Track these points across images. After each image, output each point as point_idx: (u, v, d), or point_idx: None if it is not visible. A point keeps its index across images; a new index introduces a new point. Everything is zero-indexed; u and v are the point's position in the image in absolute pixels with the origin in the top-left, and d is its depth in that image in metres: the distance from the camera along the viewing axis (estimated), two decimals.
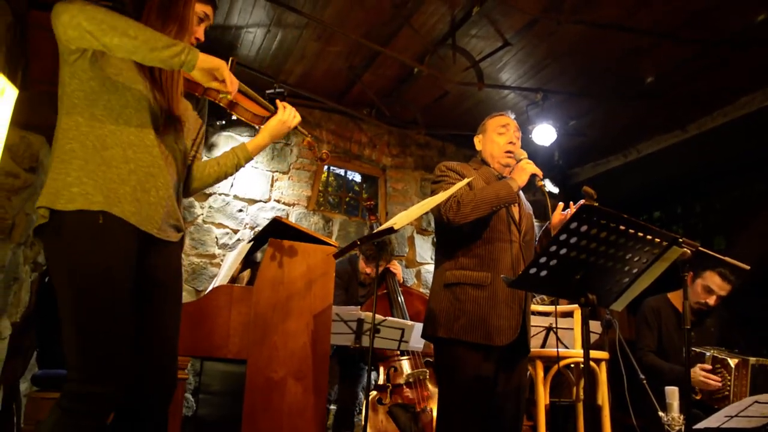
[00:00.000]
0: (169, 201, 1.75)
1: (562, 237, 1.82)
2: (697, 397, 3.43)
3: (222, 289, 2.64)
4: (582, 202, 2.49)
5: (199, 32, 1.86)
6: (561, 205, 2.58)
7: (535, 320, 3.55)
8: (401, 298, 4.17)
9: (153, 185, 1.69)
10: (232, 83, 1.69)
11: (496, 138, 2.66)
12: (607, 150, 6.09)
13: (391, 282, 4.22)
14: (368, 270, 4.25)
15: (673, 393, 2.94)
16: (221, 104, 1.93)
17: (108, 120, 1.64)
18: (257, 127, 2.08)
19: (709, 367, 3.45)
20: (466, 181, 2.37)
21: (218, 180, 2.06)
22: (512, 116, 2.75)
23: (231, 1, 3.97)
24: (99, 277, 1.55)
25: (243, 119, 2.03)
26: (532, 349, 2.63)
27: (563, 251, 1.85)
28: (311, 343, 2.69)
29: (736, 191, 5.48)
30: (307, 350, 2.68)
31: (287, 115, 2.07)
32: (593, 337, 3.81)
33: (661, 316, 3.82)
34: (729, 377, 3.39)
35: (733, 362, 3.40)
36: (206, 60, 1.61)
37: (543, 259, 1.87)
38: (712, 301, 3.67)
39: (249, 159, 2.09)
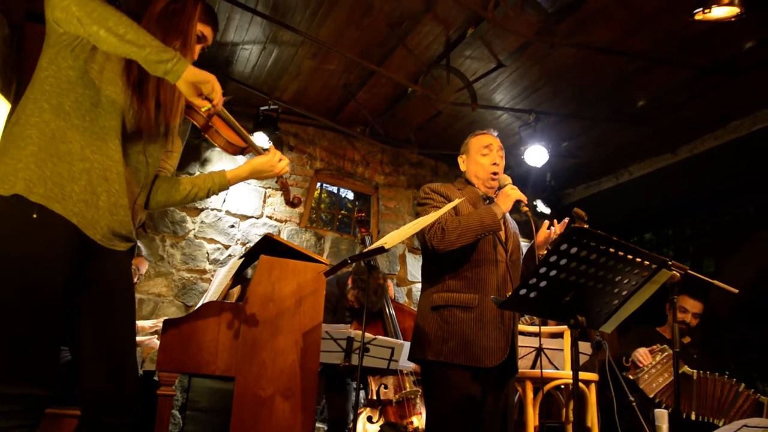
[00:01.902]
0: (120, 210, 1.67)
1: (552, 258, 1.82)
2: (627, 365, 3.84)
3: (211, 306, 2.63)
4: (567, 219, 2.52)
5: (196, 52, 1.81)
6: (546, 222, 2.58)
7: (525, 341, 3.54)
8: (393, 314, 4.15)
9: (105, 190, 1.62)
10: (218, 101, 1.60)
11: (480, 159, 2.66)
12: (599, 171, 6.13)
13: (385, 300, 4.20)
14: (355, 302, 4.18)
15: (662, 416, 2.95)
16: (197, 124, 1.87)
17: (75, 114, 1.58)
18: (231, 155, 2.02)
19: (656, 348, 3.84)
20: (453, 204, 2.37)
21: (185, 199, 1.96)
22: (495, 134, 2.75)
23: (227, 17, 4.00)
24: (27, 271, 1.47)
25: (215, 144, 1.95)
26: (522, 370, 2.62)
27: (553, 273, 1.85)
28: (300, 361, 2.67)
29: (726, 214, 5.52)
30: (296, 368, 2.65)
31: (276, 160, 2.00)
32: (583, 359, 3.81)
33: (644, 341, 4.00)
34: (658, 359, 3.77)
35: (669, 351, 3.77)
36: (195, 73, 1.53)
37: (533, 281, 1.87)
38: (688, 318, 4.05)
39: (224, 188, 2.00)
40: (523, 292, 1.90)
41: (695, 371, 3.74)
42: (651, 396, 3.69)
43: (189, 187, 1.95)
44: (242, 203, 5.16)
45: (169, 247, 4.80)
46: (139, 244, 3.54)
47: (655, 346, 3.84)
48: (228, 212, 5.09)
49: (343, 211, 6.03)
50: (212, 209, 5.04)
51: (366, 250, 2.21)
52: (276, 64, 4.58)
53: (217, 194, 2.03)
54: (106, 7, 1.47)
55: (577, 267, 1.86)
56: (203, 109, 1.61)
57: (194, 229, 4.94)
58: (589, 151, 5.60)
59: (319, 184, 5.80)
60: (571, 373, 2.93)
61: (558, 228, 2.51)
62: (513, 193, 2.48)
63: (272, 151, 2.01)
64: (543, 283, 1.88)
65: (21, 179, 1.50)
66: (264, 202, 5.27)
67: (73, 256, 1.57)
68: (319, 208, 5.91)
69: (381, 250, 2.05)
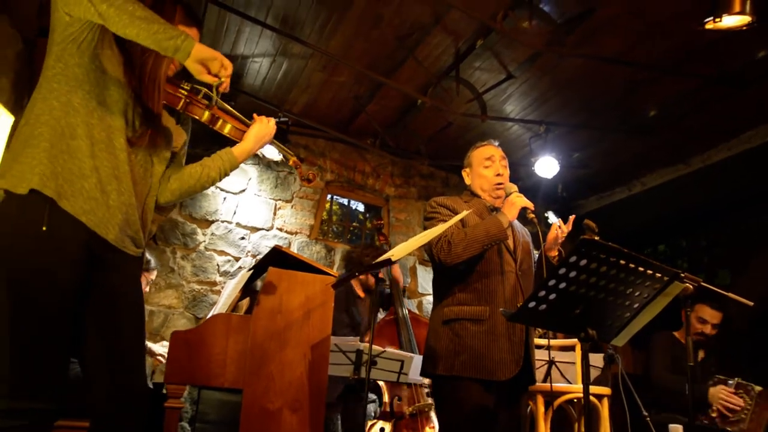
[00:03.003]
0: (129, 209, 1.67)
1: (562, 271, 1.80)
2: (713, 415, 3.56)
3: (219, 318, 2.62)
4: (573, 217, 2.49)
5: None
6: (555, 223, 2.56)
7: (536, 354, 3.50)
8: (407, 315, 4.10)
9: (115, 188, 1.62)
10: (226, 71, 1.62)
11: (483, 171, 2.65)
12: (611, 183, 6.08)
13: (397, 295, 4.17)
14: (369, 278, 4.11)
15: (676, 431, 2.89)
16: (202, 120, 1.88)
17: (83, 111, 1.58)
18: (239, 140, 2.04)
19: (732, 390, 3.58)
20: (459, 216, 2.36)
21: (199, 182, 1.95)
22: (496, 144, 2.74)
23: (237, 31, 4.03)
24: (34, 283, 1.47)
25: (224, 134, 1.96)
26: (535, 384, 2.59)
27: (563, 285, 1.83)
28: (308, 374, 2.65)
29: (741, 225, 5.43)
30: (304, 381, 2.64)
31: (266, 121, 2.02)
32: (596, 372, 3.75)
33: (673, 348, 3.95)
34: (750, 402, 3.51)
35: (757, 389, 3.52)
36: (202, 50, 1.56)
37: (542, 293, 1.85)
38: (707, 329, 3.89)
39: (235, 166, 2.00)
40: (532, 304, 1.88)
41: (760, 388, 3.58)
42: None
43: (200, 169, 1.95)
44: (253, 215, 5.18)
45: (180, 259, 4.82)
46: (149, 256, 3.55)
47: (730, 386, 3.59)
48: (238, 224, 5.11)
49: (355, 223, 6.03)
50: (223, 221, 5.05)
51: (374, 262, 2.20)
52: (286, 76, 4.60)
53: (228, 174, 2.01)
54: None
55: (587, 279, 1.84)
56: (214, 86, 1.65)
57: (205, 241, 4.95)
58: (601, 161, 5.55)
59: (329, 196, 5.80)
60: (582, 386, 2.90)
61: (565, 228, 2.49)
62: (518, 201, 2.45)
63: (258, 118, 2.02)
64: (552, 296, 1.85)
65: (36, 174, 1.50)
66: (274, 214, 5.28)
67: (81, 266, 1.55)
68: (330, 220, 5.91)
69: (388, 262, 2.05)
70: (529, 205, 2.46)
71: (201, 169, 1.95)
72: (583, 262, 1.79)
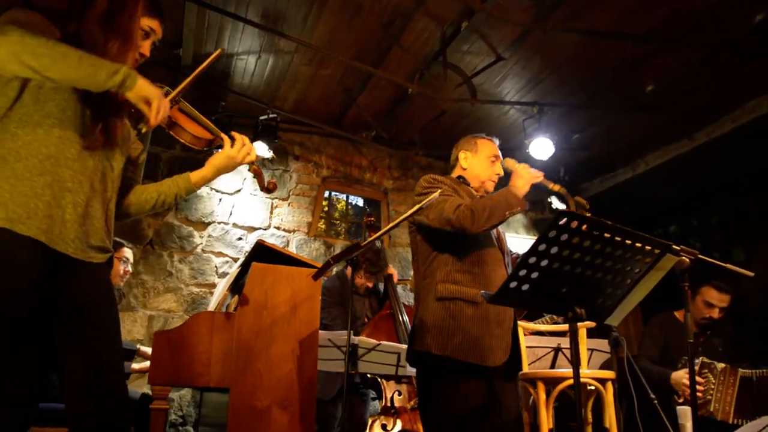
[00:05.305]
0: (89, 220, 1.64)
1: (542, 247, 1.71)
2: (680, 401, 3.40)
3: (202, 316, 2.58)
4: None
5: (145, 47, 1.76)
6: None
7: (542, 341, 3.43)
8: (407, 320, 4.05)
9: (70, 201, 1.58)
10: (157, 115, 1.61)
11: (489, 165, 2.66)
12: (614, 163, 5.94)
13: (392, 290, 4.12)
14: (366, 282, 4.13)
15: (685, 414, 2.81)
16: (161, 124, 1.83)
17: (24, 133, 1.55)
18: (198, 150, 1.95)
19: (695, 371, 3.40)
20: (437, 193, 2.31)
21: (155, 207, 1.93)
22: (497, 142, 2.76)
23: (220, 28, 3.98)
24: None
25: (182, 141, 1.87)
26: (535, 370, 2.55)
27: (544, 262, 1.74)
28: (297, 370, 2.59)
29: (752, 199, 5.26)
30: (293, 377, 2.58)
31: (236, 150, 1.88)
32: (604, 357, 3.65)
33: (668, 331, 3.79)
34: (713, 381, 3.36)
35: (720, 366, 3.37)
36: (144, 87, 1.58)
37: (523, 272, 1.76)
38: (715, 314, 3.69)
39: (191, 191, 1.95)
40: (513, 284, 1.79)
41: (753, 372, 3.41)
42: (731, 422, 3.31)
43: (155, 195, 1.92)
44: (249, 215, 5.13)
45: (178, 263, 4.78)
46: (118, 239, 3.44)
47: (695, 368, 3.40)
48: (235, 225, 5.06)
49: (366, 220, 5.94)
50: (219, 222, 5.01)
51: (343, 249, 2.17)
52: (273, 72, 4.54)
53: (184, 197, 1.98)
54: (52, 47, 1.49)
55: (571, 255, 1.75)
56: (141, 123, 1.66)
57: (202, 243, 4.91)
58: (602, 142, 5.42)
59: (327, 192, 5.73)
60: (586, 371, 2.81)
61: None
62: (527, 175, 2.39)
63: (230, 140, 1.89)
64: (535, 275, 1.77)
65: None
66: (271, 213, 5.22)
67: (40, 272, 1.52)
68: (330, 216, 5.85)
69: (357, 247, 2.01)
70: (539, 176, 2.39)
71: (156, 195, 1.92)
72: (564, 236, 1.70)
